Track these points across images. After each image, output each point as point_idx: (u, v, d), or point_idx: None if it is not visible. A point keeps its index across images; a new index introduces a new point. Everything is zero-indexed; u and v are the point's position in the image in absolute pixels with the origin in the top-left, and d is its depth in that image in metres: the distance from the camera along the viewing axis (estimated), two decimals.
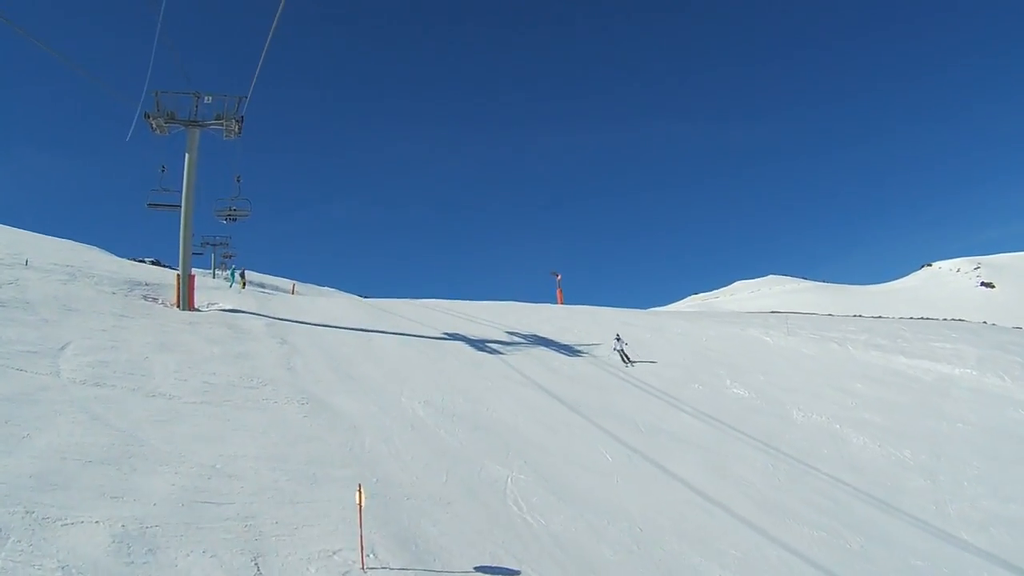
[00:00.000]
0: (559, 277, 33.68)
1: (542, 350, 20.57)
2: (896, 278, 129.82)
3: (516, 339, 21.59)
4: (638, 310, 31.04)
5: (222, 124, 18.88)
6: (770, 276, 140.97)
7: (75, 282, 19.69)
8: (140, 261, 79.91)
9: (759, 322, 28.34)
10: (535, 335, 22.60)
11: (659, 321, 27.42)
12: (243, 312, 19.31)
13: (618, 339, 20.05)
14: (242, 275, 28.05)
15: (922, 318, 35.59)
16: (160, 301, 19.65)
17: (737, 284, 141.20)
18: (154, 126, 18.47)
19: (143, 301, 19.05)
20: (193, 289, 19.14)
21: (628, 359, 19.75)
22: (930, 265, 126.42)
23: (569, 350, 21.20)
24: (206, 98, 18.76)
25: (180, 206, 18.94)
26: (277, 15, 11.24)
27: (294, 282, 39.41)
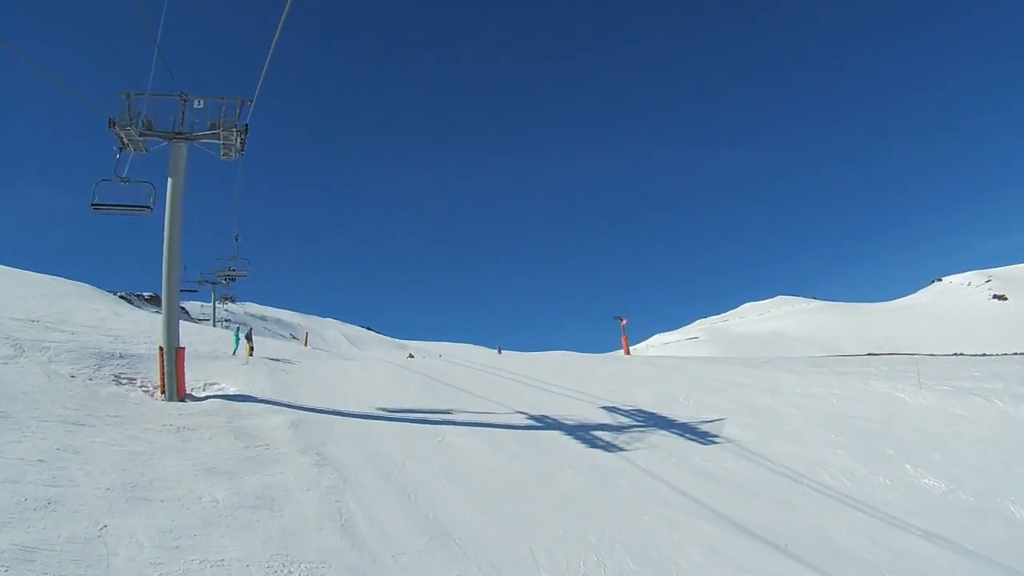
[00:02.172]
0: (624, 322, 28.07)
1: (664, 437, 14.82)
2: (906, 294, 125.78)
3: (620, 419, 15.85)
4: (729, 361, 25.34)
5: (219, 136, 13.29)
6: (778, 297, 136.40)
7: (18, 361, 13.77)
8: (136, 296, 72.82)
9: (871, 370, 23.27)
10: (638, 409, 16.89)
11: (766, 377, 21.81)
12: (254, 400, 13.36)
13: None
14: (248, 337, 21.19)
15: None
16: (139, 384, 13.76)
17: (745, 306, 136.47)
18: (125, 140, 12.87)
19: (114, 387, 13.11)
20: (183, 368, 13.28)
21: None
22: (940, 280, 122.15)
23: (695, 432, 15.51)
24: (196, 102, 13.19)
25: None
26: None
27: (307, 330, 33.31)
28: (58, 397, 11.64)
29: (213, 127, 13.14)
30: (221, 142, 13.30)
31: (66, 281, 48.79)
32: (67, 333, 20.67)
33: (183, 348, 13.18)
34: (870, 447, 15.30)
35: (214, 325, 44.96)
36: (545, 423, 14.86)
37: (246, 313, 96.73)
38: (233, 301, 47.92)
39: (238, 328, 20.28)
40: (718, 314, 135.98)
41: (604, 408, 16.91)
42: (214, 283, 45.82)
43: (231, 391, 13.89)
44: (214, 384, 14.23)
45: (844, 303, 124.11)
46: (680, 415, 16.76)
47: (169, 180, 12.80)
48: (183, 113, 13.30)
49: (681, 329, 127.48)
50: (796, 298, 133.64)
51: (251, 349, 19.05)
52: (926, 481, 12.87)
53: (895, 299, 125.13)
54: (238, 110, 13.02)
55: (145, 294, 71.27)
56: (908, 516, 11.13)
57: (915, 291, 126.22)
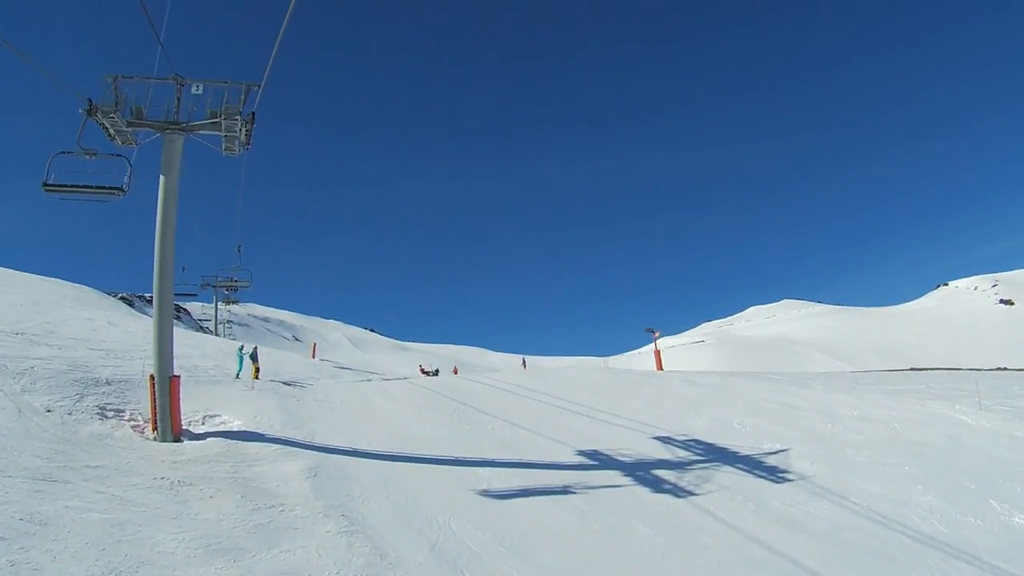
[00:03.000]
0: (657, 335, 25.90)
1: (732, 475, 12.72)
2: (912, 299, 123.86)
3: (679, 452, 13.74)
4: (774, 379, 23.27)
5: (220, 127, 11.15)
6: (784, 300, 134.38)
7: None
8: (138, 298, 70.16)
9: (922, 388, 21.37)
10: (694, 439, 14.81)
11: (819, 398, 19.70)
12: (262, 439, 11.18)
13: None
14: (253, 357, 18.19)
15: None
16: (127, 417, 11.61)
17: (751, 310, 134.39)
18: (111, 131, 10.76)
19: (97, 424, 10.95)
20: (178, 400, 11.11)
21: None
22: (946, 284, 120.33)
23: (762, 468, 13.42)
24: (195, 87, 11.07)
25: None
26: None
27: (314, 341, 31.06)
28: (29, 441, 9.50)
29: (214, 116, 10.99)
30: (223, 134, 11.15)
31: (63, 283, 46.49)
32: (53, 348, 18.50)
33: (178, 377, 11.02)
34: (948, 479, 13.45)
35: (216, 333, 42.74)
36: (600, 461, 12.76)
37: (248, 314, 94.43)
38: (236, 303, 45.79)
39: (242, 347, 17.92)
40: (723, 317, 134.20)
41: (658, 439, 14.85)
42: (216, 286, 43.74)
43: (235, 425, 11.72)
44: (215, 416, 12.07)
45: (850, 307, 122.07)
46: (740, 446, 14.69)
47: (161, 179, 10.65)
48: (179, 100, 11.17)
49: (686, 332, 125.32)
50: (802, 302, 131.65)
51: (257, 371, 16.78)
52: (1018, 520, 11.12)
53: (901, 303, 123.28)
54: (243, 97, 10.88)
55: (147, 295, 68.44)
56: (1015, 567, 9.29)
57: (921, 295, 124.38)
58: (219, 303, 43.42)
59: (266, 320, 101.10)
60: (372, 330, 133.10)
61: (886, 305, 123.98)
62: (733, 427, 16.28)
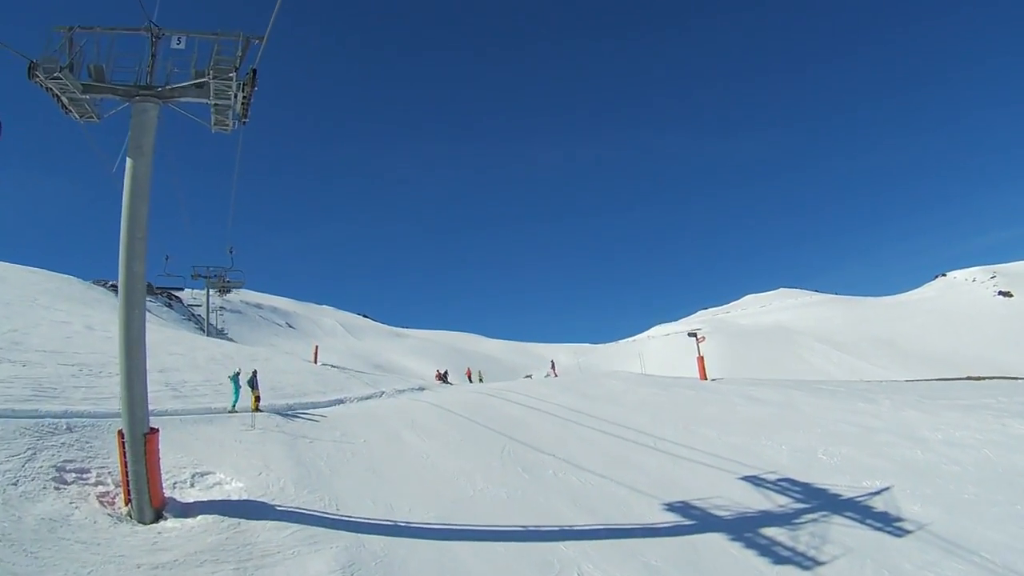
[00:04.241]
0: (702, 339, 23.15)
1: (847, 528, 10.59)
2: (909, 288, 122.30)
3: (776, 498, 11.56)
4: (834, 392, 20.61)
5: (209, 94, 8.10)
6: (780, 289, 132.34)
7: None
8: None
9: (991, 402, 19.69)
10: (785, 478, 12.57)
11: (893, 417, 17.09)
12: (272, 512, 8.22)
13: None
14: (252, 384, 14.26)
15: None
16: (94, 479, 8.65)
17: (747, 298, 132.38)
18: (63, 100, 7.70)
19: (52, 496, 7.96)
20: (157, 461, 8.12)
21: None
22: (944, 275, 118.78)
23: (875, 517, 11.61)
24: (175, 39, 7.95)
25: None
26: None
27: (316, 343, 28.03)
28: None
29: (200, 76, 7.87)
30: (212, 101, 8.01)
31: (46, 275, 42.79)
32: (16, 365, 15.40)
33: (155, 432, 8.01)
34: None
35: (208, 324, 39.52)
36: (696, 518, 10.12)
37: (241, 301, 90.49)
38: (228, 291, 42.57)
39: (238, 372, 14.60)
40: (719, 305, 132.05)
41: (747, 481, 12.29)
42: (207, 277, 40.50)
43: (235, 490, 8.77)
44: (208, 474, 9.09)
45: (847, 296, 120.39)
46: (838, 484, 12.49)
47: (128, 163, 7.53)
48: (154, 57, 8.05)
49: (682, 320, 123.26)
50: (798, 290, 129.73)
51: (257, 399, 13.50)
52: None
53: (898, 294, 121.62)
54: (240, 53, 7.74)
55: None
56: None
57: (918, 286, 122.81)
58: (211, 294, 40.26)
59: (259, 307, 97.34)
60: (365, 316, 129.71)
61: (882, 295, 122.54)
62: (819, 459, 14.00)
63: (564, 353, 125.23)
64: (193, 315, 63.44)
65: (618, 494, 10.63)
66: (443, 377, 26.35)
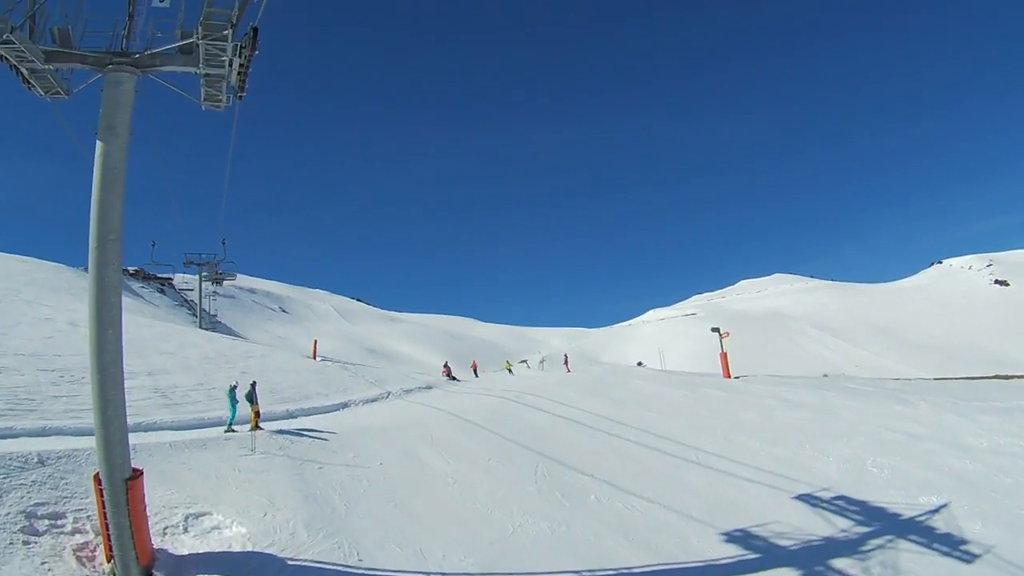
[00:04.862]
0: (726, 336, 21.80)
1: (915, 556, 10.19)
2: (904, 275, 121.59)
3: (835, 520, 10.99)
4: (867, 393, 19.38)
5: (198, 61, 6.48)
6: (776, 275, 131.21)
7: None
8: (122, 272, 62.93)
9: None
10: (841, 496, 11.88)
11: (934, 422, 16.04)
12: (284, 569, 6.87)
13: None
14: (251, 398, 12.26)
15: None
16: (70, 526, 7.18)
17: (743, 283, 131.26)
18: (22, 71, 6.15)
19: (21, 554, 6.48)
20: (142, 509, 6.68)
21: None
22: (940, 263, 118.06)
23: (941, 540, 11.62)
24: None
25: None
26: None
27: (315, 338, 26.52)
28: None
29: (187, 37, 6.25)
30: (202, 71, 6.43)
31: (35, 263, 40.64)
32: None
33: (139, 475, 6.54)
34: None
35: (200, 320, 37.81)
36: (759, 550, 9.06)
37: (234, 286, 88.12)
38: (220, 283, 40.80)
39: (234, 386, 12.67)
40: (714, 290, 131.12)
41: (802, 500, 11.17)
42: (200, 265, 38.74)
43: (236, 537, 7.32)
44: (204, 516, 7.65)
45: (843, 283, 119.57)
46: (895, 502, 11.55)
47: (98, 147, 5.92)
48: (131, 18, 6.44)
49: (677, 304, 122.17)
50: (794, 276, 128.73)
51: (256, 416, 11.70)
52: None
53: (893, 280, 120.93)
54: (236, 11, 6.10)
55: (130, 268, 60.68)
56: None
57: (915, 272, 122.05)
58: (203, 282, 38.48)
59: (252, 291, 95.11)
60: (359, 300, 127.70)
61: (878, 281, 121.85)
62: (869, 471, 13.13)
63: (558, 337, 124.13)
64: (186, 300, 61.35)
65: (671, 523, 9.38)
66: (450, 372, 24.97)
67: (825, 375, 63.22)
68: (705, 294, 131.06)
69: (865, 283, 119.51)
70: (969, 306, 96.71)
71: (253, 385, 12.39)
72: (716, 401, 16.29)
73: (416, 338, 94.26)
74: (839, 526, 10.56)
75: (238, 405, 11.91)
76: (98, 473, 6.50)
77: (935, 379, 27.66)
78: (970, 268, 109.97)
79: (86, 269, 6.35)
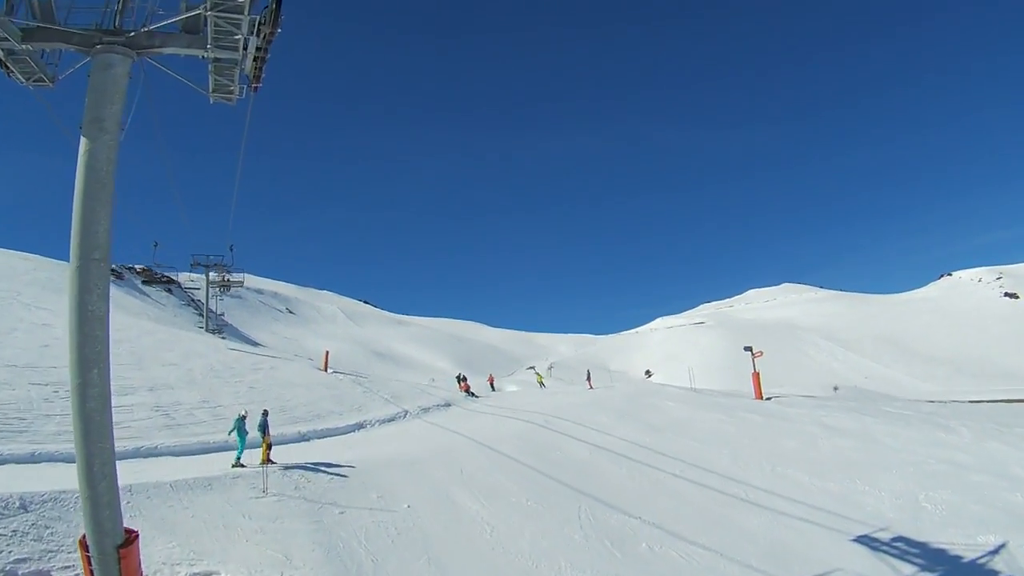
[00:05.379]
0: (759, 355, 20.60)
1: None
2: (913, 287, 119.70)
3: (900, 568, 10.23)
4: (908, 418, 18.07)
5: (206, 41, 5.21)
6: (784, 284, 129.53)
7: None
8: (127, 269, 60.92)
9: None
10: (899, 537, 11.12)
11: (979, 451, 14.86)
12: None
13: None
14: (263, 428, 10.95)
15: None
16: None
17: (751, 292, 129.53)
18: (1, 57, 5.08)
19: None
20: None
21: None
22: (950, 275, 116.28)
23: None
24: None
25: None
26: None
27: (327, 350, 25.42)
28: None
29: (191, 10, 5.08)
30: (210, 54, 5.31)
31: (38, 261, 39.34)
32: None
33: (134, 538, 5.41)
34: None
35: (206, 321, 36.75)
36: None
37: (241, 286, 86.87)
38: (228, 289, 39.67)
39: (243, 416, 11.05)
40: (723, 299, 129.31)
41: (860, 543, 10.33)
42: (207, 266, 37.73)
43: None
44: (209, 575, 6.54)
45: (852, 293, 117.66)
46: (954, 543, 10.44)
47: (83, 144, 4.81)
48: None
49: (686, 313, 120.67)
50: (802, 286, 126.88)
51: (268, 448, 10.38)
52: None
53: (903, 292, 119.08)
54: None
55: (137, 267, 58.78)
56: None
57: (923, 284, 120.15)
58: (210, 284, 37.40)
59: (259, 292, 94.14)
60: (367, 302, 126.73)
61: (886, 292, 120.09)
62: (923, 507, 12.43)
63: (565, 344, 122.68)
64: (192, 299, 60.26)
65: (728, 573, 8.19)
66: (468, 389, 23.76)
67: (836, 388, 61.85)
68: (713, 303, 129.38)
69: (874, 294, 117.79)
70: (979, 319, 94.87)
71: (265, 414, 11.17)
72: (755, 427, 15.06)
73: (423, 342, 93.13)
74: (902, 572, 9.42)
75: (247, 436, 10.62)
76: (84, 539, 5.36)
77: (969, 401, 26.31)
78: (979, 280, 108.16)
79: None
